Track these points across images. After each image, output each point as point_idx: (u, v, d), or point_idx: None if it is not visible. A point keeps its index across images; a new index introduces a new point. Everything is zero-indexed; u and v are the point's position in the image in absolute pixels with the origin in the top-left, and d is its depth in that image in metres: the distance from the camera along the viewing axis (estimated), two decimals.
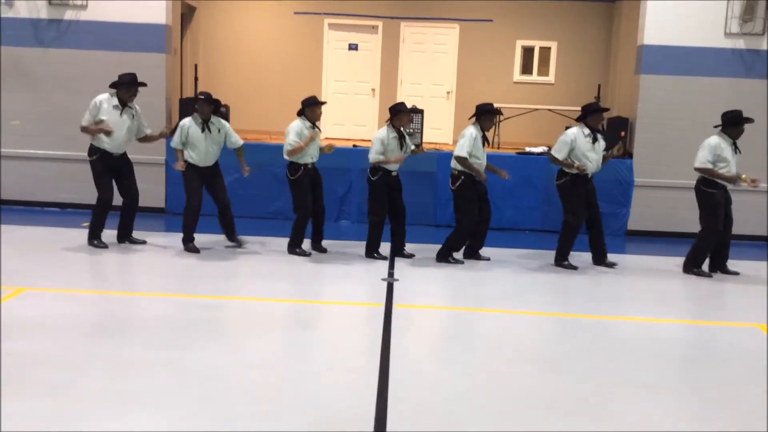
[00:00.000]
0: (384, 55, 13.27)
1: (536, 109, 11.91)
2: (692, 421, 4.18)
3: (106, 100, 7.78)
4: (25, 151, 10.21)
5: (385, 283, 7.00)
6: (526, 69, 13.44)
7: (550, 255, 8.13)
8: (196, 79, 11.40)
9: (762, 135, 9.85)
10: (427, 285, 7.24)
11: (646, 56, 10.12)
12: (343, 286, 7.17)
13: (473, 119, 7.91)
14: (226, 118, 10.42)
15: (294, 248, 7.96)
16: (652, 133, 10.03)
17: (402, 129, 7.84)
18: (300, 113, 7.94)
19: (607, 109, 8.09)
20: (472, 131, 7.73)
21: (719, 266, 7.99)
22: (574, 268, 7.85)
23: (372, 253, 7.96)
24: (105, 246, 7.86)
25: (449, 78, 13.35)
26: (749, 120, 7.67)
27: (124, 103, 7.83)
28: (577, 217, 7.86)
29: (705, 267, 7.94)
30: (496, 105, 11.76)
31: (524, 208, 10.23)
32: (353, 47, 13.30)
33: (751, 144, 10.10)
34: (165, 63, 10.22)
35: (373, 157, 7.69)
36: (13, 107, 10.23)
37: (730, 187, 7.79)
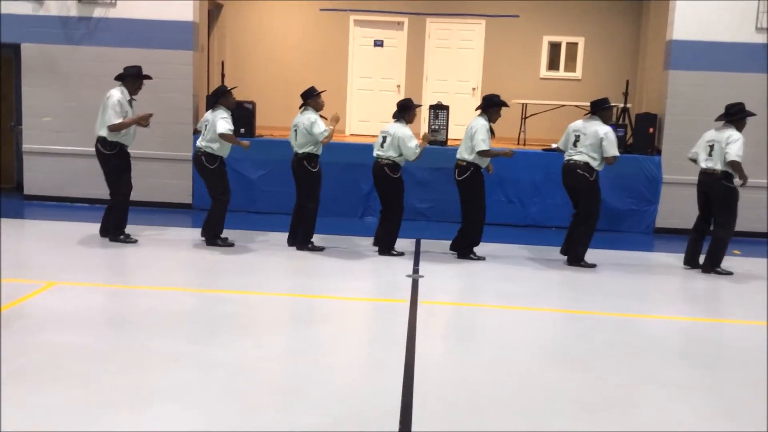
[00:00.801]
0: (409, 51, 13.24)
1: (563, 105, 11.81)
2: (720, 420, 4.12)
3: (121, 94, 7.84)
4: (55, 147, 10.35)
5: (410, 280, 6.99)
6: (553, 65, 13.33)
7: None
8: (222, 76, 11.47)
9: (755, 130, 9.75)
10: (452, 281, 7.23)
11: (675, 51, 9.99)
12: (368, 282, 7.19)
13: (479, 111, 7.86)
14: (252, 114, 10.49)
15: (308, 244, 7.99)
16: (681, 130, 9.88)
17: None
18: (302, 107, 7.96)
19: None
20: (483, 122, 7.72)
21: (693, 259, 7.93)
22: (593, 266, 7.80)
23: (391, 250, 7.98)
24: (135, 240, 7.94)
25: (475, 74, 13.28)
26: (752, 114, 7.61)
27: (131, 96, 7.93)
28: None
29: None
30: (522, 101, 11.85)
31: (550, 205, 10.15)
32: (378, 44, 13.29)
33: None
34: (192, 60, 10.30)
35: (416, 152, 7.68)
36: (43, 104, 10.37)
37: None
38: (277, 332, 5.54)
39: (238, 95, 11.41)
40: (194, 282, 6.81)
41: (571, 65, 13.29)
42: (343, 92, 13.28)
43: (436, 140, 10.36)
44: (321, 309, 6.14)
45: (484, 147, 7.61)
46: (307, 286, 6.87)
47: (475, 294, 7.02)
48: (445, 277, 7.27)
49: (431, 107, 10.75)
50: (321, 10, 13.21)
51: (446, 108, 10.63)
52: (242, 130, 10.37)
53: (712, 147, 7.64)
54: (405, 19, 13.16)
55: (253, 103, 10.53)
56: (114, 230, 7.99)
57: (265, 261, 7.63)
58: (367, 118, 13.08)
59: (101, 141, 7.87)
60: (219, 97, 8.01)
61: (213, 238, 7.97)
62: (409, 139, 7.67)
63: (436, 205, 9.96)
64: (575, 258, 7.85)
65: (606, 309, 6.39)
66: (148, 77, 8.03)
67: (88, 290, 6.22)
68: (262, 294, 6.46)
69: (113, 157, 7.90)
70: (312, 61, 13.22)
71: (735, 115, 7.56)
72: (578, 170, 7.69)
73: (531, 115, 11.67)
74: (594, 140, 7.61)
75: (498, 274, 7.47)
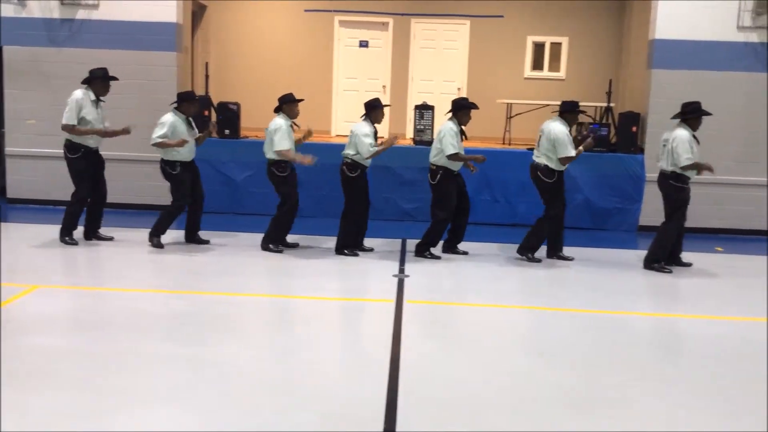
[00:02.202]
0: (395, 51, 13.27)
1: (547, 105, 11.87)
2: (711, 417, 4.16)
3: (84, 96, 7.79)
4: (39, 150, 10.29)
5: (396, 279, 7.01)
6: (537, 65, 13.40)
7: (567, 251, 8.11)
8: (207, 77, 11.45)
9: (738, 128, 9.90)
10: (438, 281, 7.25)
11: (657, 51, 10.07)
12: (354, 282, 7.20)
13: (449, 114, 7.90)
14: (237, 115, 10.48)
15: (268, 244, 7.97)
16: (664, 128, 9.88)
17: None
18: (277, 110, 7.93)
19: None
20: (451, 126, 7.76)
21: (674, 258, 7.94)
22: (538, 260, 7.90)
23: (344, 249, 7.95)
24: (76, 243, 7.92)
25: (460, 74, 13.33)
26: (708, 113, 7.63)
27: (98, 98, 7.88)
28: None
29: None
30: (506, 101, 11.90)
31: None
32: (364, 44, 13.31)
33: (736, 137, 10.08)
34: (176, 61, 10.27)
35: (370, 150, 7.66)
36: (26, 106, 10.31)
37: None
38: (265, 333, 5.54)
39: (223, 96, 11.46)
40: (181, 284, 6.79)
41: (555, 65, 13.36)
42: (328, 93, 13.29)
43: (422, 140, 10.39)
44: (308, 309, 6.14)
45: (452, 150, 7.64)
46: (294, 286, 6.87)
47: (460, 293, 7.05)
48: (430, 277, 7.29)
49: (416, 107, 10.77)
50: (306, 10, 13.21)
51: (431, 108, 10.66)
52: (227, 131, 10.37)
53: (665, 146, 7.71)
54: (390, 20, 13.19)
55: (237, 104, 10.52)
56: (62, 230, 7.94)
57: (252, 262, 7.62)
58: (352, 118, 13.01)
59: (66, 143, 7.86)
60: (180, 102, 7.94)
61: (152, 236, 7.96)
62: (364, 136, 7.67)
63: (423, 206, 9.94)
64: (526, 247, 7.91)
65: (592, 307, 6.44)
66: (115, 78, 7.97)
67: (74, 293, 6.19)
68: (250, 295, 6.45)
69: (75, 161, 7.85)
70: (297, 61, 13.22)
71: (688, 114, 7.61)
72: (538, 172, 7.76)
73: (516, 115, 11.72)
74: (548, 141, 7.67)
75: (484, 273, 7.50)
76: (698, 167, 7.53)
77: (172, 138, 7.75)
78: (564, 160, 7.65)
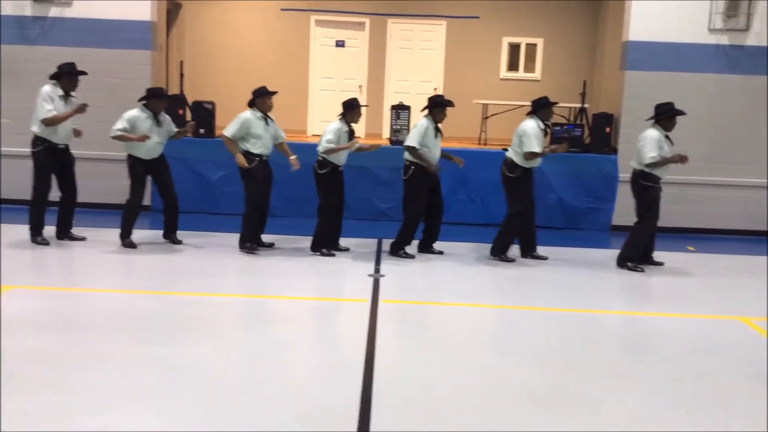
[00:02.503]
0: (371, 51, 13.28)
1: (523, 105, 11.94)
2: (677, 413, 4.22)
3: (52, 90, 7.73)
4: (13, 149, 10.15)
5: (371, 279, 7.03)
6: (513, 65, 13.49)
7: (540, 250, 8.18)
8: (181, 75, 11.37)
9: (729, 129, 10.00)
10: (413, 281, 7.28)
11: (631, 52, 10.19)
12: (329, 282, 7.21)
13: (425, 111, 7.93)
14: (212, 114, 10.43)
15: (245, 244, 7.94)
16: (637, 129, 9.99)
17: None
18: (251, 104, 7.88)
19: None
20: (424, 122, 7.80)
21: (646, 257, 8.03)
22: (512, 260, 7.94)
23: (320, 248, 7.94)
24: (47, 243, 7.85)
25: (436, 74, 13.38)
26: (681, 112, 7.72)
27: (67, 93, 7.82)
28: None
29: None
30: (482, 101, 11.97)
31: None
32: (340, 44, 13.30)
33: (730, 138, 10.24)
34: (150, 60, 10.20)
35: (325, 146, 7.65)
36: (1, 105, 10.18)
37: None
38: (238, 333, 5.52)
39: (198, 95, 11.40)
40: (154, 284, 6.75)
41: (530, 66, 13.47)
42: (304, 92, 13.28)
43: (399, 140, 10.41)
44: (282, 309, 6.13)
45: (409, 142, 7.69)
46: (268, 286, 6.86)
47: (436, 292, 7.08)
48: (406, 277, 7.32)
49: (393, 107, 10.80)
50: (282, 9, 13.19)
51: (408, 108, 10.69)
52: (202, 131, 10.32)
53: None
54: (366, 20, 13.20)
55: (212, 104, 10.48)
56: (31, 230, 7.86)
57: (226, 263, 7.59)
58: (329, 118, 12.94)
59: (32, 138, 7.79)
60: (148, 98, 7.91)
61: (121, 237, 7.90)
62: (328, 132, 7.69)
63: (398, 205, 9.90)
64: (496, 248, 7.95)
65: (563, 305, 6.50)
66: (83, 73, 7.91)
67: (46, 294, 6.13)
68: (224, 296, 6.43)
69: (38, 154, 7.77)
70: (273, 61, 13.18)
71: (661, 115, 7.72)
72: (503, 166, 7.84)
73: (491, 115, 11.80)
74: (517, 137, 7.76)
75: (459, 272, 7.54)
76: (666, 162, 7.60)
77: (131, 133, 7.71)
78: (528, 155, 7.65)
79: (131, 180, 7.93)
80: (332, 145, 7.65)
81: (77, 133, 8.02)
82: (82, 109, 7.71)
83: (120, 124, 7.72)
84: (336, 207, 7.93)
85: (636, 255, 7.85)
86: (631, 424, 4.05)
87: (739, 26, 10.00)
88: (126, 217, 7.91)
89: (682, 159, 7.58)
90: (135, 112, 7.81)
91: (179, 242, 8.16)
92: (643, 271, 7.77)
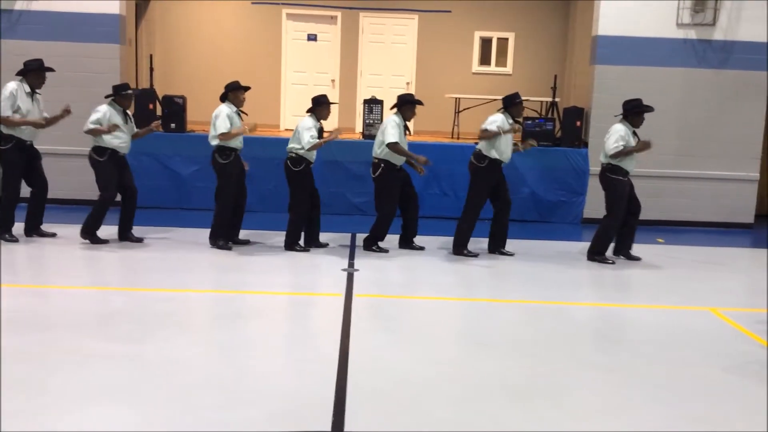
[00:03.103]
0: (343, 45, 13.24)
1: (495, 99, 12.00)
2: (649, 403, 4.29)
3: (18, 87, 7.60)
4: None
5: (345, 274, 7.02)
6: (485, 60, 13.54)
7: (512, 243, 8.23)
8: (151, 69, 11.24)
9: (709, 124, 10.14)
10: (387, 275, 7.29)
11: (600, 47, 10.28)
12: (303, 277, 7.19)
13: (395, 109, 7.94)
14: (183, 109, 10.33)
15: (217, 241, 7.87)
16: (607, 123, 10.06)
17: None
18: (223, 98, 7.82)
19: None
20: (395, 119, 7.81)
21: (623, 251, 8.14)
22: (475, 255, 7.95)
23: (295, 246, 7.91)
24: (16, 240, 7.73)
25: (409, 69, 13.38)
26: (649, 108, 7.81)
27: (33, 90, 7.70)
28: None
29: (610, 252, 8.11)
30: (455, 95, 12.00)
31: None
32: (312, 38, 13.24)
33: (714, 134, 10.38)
34: (119, 54, 10.07)
35: (310, 142, 7.60)
36: None
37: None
38: (210, 330, 5.49)
39: (168, 89, 11.28)
40: (124, 281, 6.68)
41: (502, 60, 13.52)
42: (277, 86, 13.19)
43: (371, 134, 10.40)
44: (255, 305, 6.10)
45: (390, 139, 7.65)
46: (241, 282, 6.82)
47: (409, 286, 7.10)
48: (380, 271, 7.32)
49: (366, 102, 10.79)
50: (253, 3, 13.08)
51: (380, 102, 10.68)
52: (173, 125, 10.22)
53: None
54: (338, 14, 13.15)
55: (183, 98, 10.38)
56: (0, 229, 7.74)
57: (197, 258, 7.53)
58: (301, 112, 12.82)
59: None
60: (115, 95, 7.78)
61: (85, 234, 7.76)
62: (306, 129, 7.66)
63: (372, 200, 9.94)
64: (457, 244, 7.96)
65: (536, 297, 6.56)
66: (51, 69, 7.79)
67: (13, 291, 6.03)
68: (196, 291, 6.39)
69: (6, 152, 7.62)
70: (244, 55, 13.08)
71: (628, 111, 7.81)
72: (471, 158, 7.87)
73: (464, 110, 11.83)
74: (483, 124, 7.79)
75: (432, 266, 7.57)
76: (630, 151, 7.67)
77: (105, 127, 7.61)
78: (483, 134, 7.64)
79: (100, 173, 7.73)
80: (317, 140, 7.63)
81: (67, 111, 7.79)
82: (42, 124, 7.63)
83: (95, 116, 7.59)
84: (311, 203, 7.89)
85: (604, 248, 7.94)
86: (604, 414, 4.10)
87: (707, 21, 10.14)
88: (97, 213, 7.77)
89: (645, 145, 7.66)
90: (107, 108, 7.69)
91: (140, 240, 7.97)
92: (613, 263, 7.86)
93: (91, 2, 9.90)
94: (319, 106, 7.82)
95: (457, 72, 13.36)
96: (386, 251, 7.98)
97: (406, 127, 7.91)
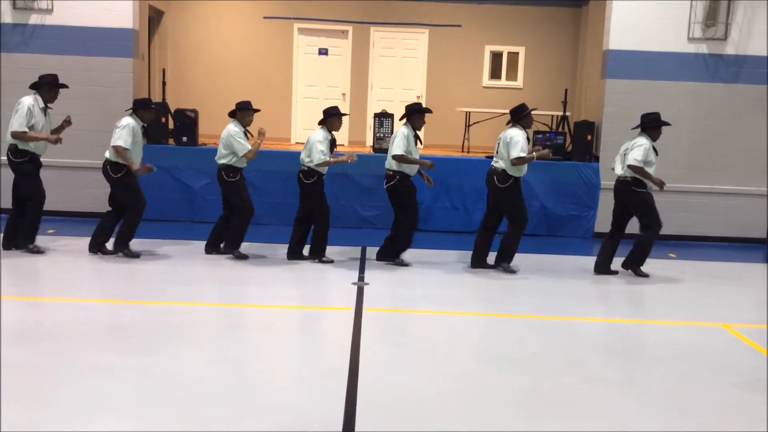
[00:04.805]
0: (354, 59, 13.30)
1: (505, 113, 12.00)
2: (657, 417, 4.25)
3: (34, 102, 7.66)
4: None
5: (355, 287, 7.02)
6: (495, 74, 13.57)
7: (522, 258, 8.17)
8: (164, 83, 11.33)
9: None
10: (398, 289, 7.27)
11: (611, 61, 10.28)
12: (313, 290, 7.18)
13: (404, 120, 7.95)
14: (195, 122, 10.39)
15: (233, 251, 7.95)
16: (618, 137, 10.11)
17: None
18: (232, 114, 7.90)
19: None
20: (404, 130, 7.82)
21: (604, 266, 8.08)
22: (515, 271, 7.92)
23: (323, 254, 7.98)
24: (43, 251, 7.78)
25: (419, 82, 13.43)
26: (667, 123, 7.83)
27: (45, 104, 7.76)
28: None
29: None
30: (465, 109, 12.02)
31: None
32: (323, 52, 13.32)
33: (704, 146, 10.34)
34: (132, 68, 10.15)
35: (321, 158, 7.66)
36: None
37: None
38: (219, 342, 5.48)
39: (180, 103, 11.35)
40: (132, 293, 6.69)
41: (512, 74, 13.54)
42: (287, 100, 13.27)
43: (382, 148, 10.43)
44: (265, 318, 6.10)
45: (395, 151, 7.67)
46: (251, 294, 6.83)
47: (419, 300, 7.07)
48: (390, 285, 7.31)
49: (376, 115, 10.82)
50: (265, 17, 13.18)
51: (391, 116, 10.71)
52: (184, 139, 10.28)
53: (625, 155, 7.87)
54: (349, 28, 13.22)
55: (195, 111, 10.44)
56: (26, 238, 7.77)
57: (207, 271, 7.55)
58: (312, 126, 12.91)
59: (11, 148, 7.66)
60: (137, 109, 7.80)
61: (124, 247, 7.80)
62: (318, 142, 7.70)
63: (383, 213, 10.00)
64: (504, 256, 7.92)
65: (544, 312, 6.52)
66: (65, 86, 7.84)
67: (19, 304, 6.06)
68: (205, 304, 6.40)
69: (23, 164, 7.68)
70: (256, 68, 13.17)
71: (646, 124, 7.80)
72: (494, 177, 7.81)
73: (474, 123, 11.85)
74: (505, 145, 7.72)
75: (442, 280, 7.55)
76: (647, 177, 7.69)
77: (132, 143, 7.61)
78: (516, 161, 7.62)
79: (129, 188, 7.75)
80: (328, 158, 7.68)
81: (67, 122, 7.88)
82: (58, 139, 7.68)
83: (126, 136, 7.55)
84: (326, 213, 7.93)
85: (644, 261, 7.99)
86: (607, 426, 4.06)
87: (718, 35, 10.12)
88: (134, 224, 7.78)
89: (660, 184, 7.75)
90: (132, 122, 7.67)
91: (111, 253, 7.87)
92: (648, 276, 7.90)
93: (104, 17, 10.00)
94: (331, 118, 7.87)
95: (467, 86, 13.39)
96: (409, 264, 7.96)
97: (417, 137, 7.91)
